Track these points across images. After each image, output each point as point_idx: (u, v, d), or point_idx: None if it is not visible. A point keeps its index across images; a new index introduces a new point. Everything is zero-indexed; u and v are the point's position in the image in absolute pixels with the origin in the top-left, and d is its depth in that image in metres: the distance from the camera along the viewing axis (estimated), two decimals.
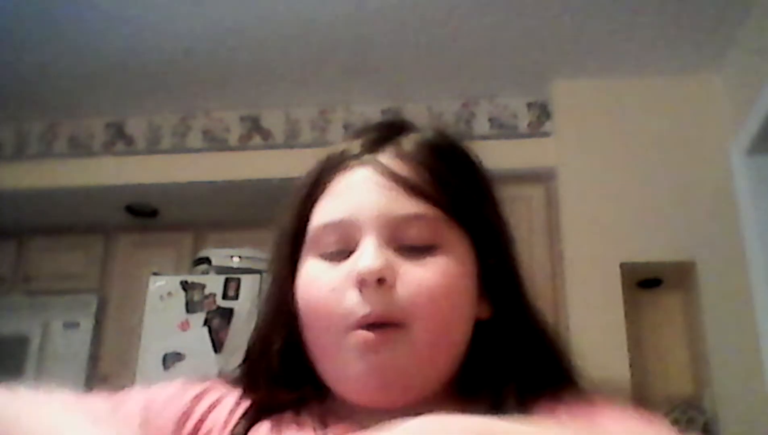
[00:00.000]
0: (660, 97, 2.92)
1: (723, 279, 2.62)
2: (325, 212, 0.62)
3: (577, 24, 2.70)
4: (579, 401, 0.58)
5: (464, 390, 0.61)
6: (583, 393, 0.61)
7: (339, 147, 0.65)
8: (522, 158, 2.97)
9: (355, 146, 0.64)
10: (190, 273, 3.00)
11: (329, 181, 0.63)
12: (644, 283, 2.87)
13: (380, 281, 0.56)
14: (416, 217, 0.59)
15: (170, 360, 2.77)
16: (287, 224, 0.65)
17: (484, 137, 3.11)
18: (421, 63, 2.96)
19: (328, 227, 0.61)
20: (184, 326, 2.81)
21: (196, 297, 2.85)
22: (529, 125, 3.13)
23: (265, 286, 0.69)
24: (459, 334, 0.60)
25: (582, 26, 2.71)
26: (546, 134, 3.08)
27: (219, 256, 2.95)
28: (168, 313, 2.83)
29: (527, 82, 3.06)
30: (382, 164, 0.61)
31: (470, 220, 0.62)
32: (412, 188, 0.60)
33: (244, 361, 0.66)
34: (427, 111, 3.19)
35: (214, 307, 2.81)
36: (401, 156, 0.62)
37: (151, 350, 2.79)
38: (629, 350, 2.57)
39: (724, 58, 2.81)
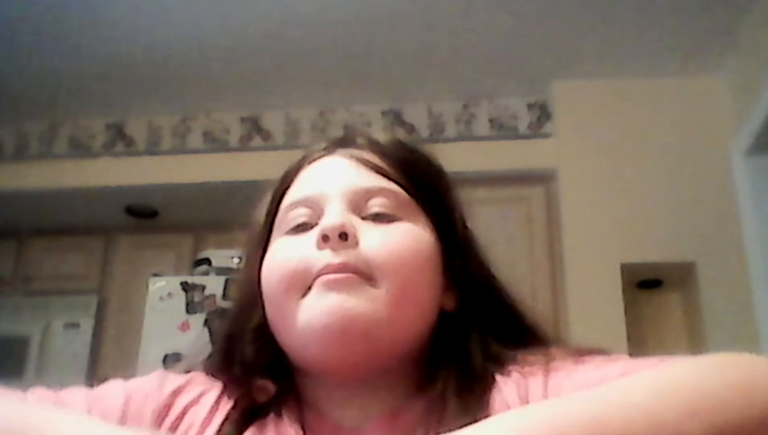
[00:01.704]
0: (660, 97, 2.92)
1: (723, 279, 2.62)
2: (292, 194, 0.63)
3: (578, 25, 2.70)
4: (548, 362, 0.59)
5: (425, 378, 0.60)
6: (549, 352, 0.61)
7: (310, 147, 0.68)
8: (522, 159, 2.98)
9: (324, 142, 0.67)
10: (191, 274, 2.99)
11: (298, 172, 0.65)
12: (644, 283, 2.87)
13: (343, 236, 0.56)
14: (381, 190, 0.61)
15: (170, 361, 2.76)
16: (259, 217, 0.67)
17: (485, 138, 3.11)
18: (421, 63, 2.96)
19: (294, 205, 0.62)
20: (185, 327, 2.81)
21: (197, 298, 2.85)
22: (529, 126, 3.13)
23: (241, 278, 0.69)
24: (424, 300, 0.60)
25: (582, 27, 2.71)
26: (546, 135, 3.08)
27: (219, 257, 2.95)
28: (168, 313, 2.82)
29: (527, 82, 3.06)
30: (350, 152, 0.64)
31: (434, 210, 0.63)
32: (378, 170, 0.62)
33: (218, 350, 0.65)
34: (427, 111, 3.19)
35: (214, 308, 2.81)
36: (370, 146, 0.64)
37: (151, 351, 2.78)
38: (629, 351, 2.57)
39: (725, 59, 2.81)
